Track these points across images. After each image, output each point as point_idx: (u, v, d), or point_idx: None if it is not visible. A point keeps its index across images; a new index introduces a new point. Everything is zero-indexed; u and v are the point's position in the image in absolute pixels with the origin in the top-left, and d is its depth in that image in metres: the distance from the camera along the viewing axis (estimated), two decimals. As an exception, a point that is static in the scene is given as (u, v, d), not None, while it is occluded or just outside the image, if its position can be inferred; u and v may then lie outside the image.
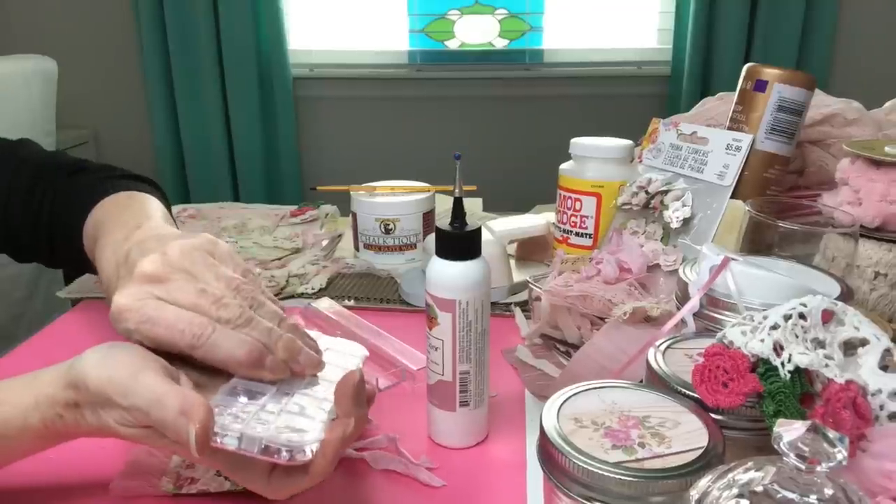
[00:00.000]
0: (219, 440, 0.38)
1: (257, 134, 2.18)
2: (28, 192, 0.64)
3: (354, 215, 0.89)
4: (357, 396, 0.42)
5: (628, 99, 2.16)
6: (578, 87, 2.19)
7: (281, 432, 0.39)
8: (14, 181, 0.65)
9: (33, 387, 0.42)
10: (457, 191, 0.49)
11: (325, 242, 0.95)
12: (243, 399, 0.41)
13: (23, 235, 0.65)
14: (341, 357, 0.48)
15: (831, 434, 0.27)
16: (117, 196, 0.59)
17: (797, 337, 0.37)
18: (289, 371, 0.43)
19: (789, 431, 0.27)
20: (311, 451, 0.39)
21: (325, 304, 0.74)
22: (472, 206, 1.08)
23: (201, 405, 0.38)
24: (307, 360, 0.44)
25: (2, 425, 0.41)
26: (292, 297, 0.80)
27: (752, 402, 0.37)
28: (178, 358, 0.43)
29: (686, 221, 0.65)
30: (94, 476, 0.49)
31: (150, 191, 0.62)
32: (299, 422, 0.40)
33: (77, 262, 0.63)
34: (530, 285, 0.68)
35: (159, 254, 0.43)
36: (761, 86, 0.70)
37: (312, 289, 0.81)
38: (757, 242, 0.57)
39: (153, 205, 0.57)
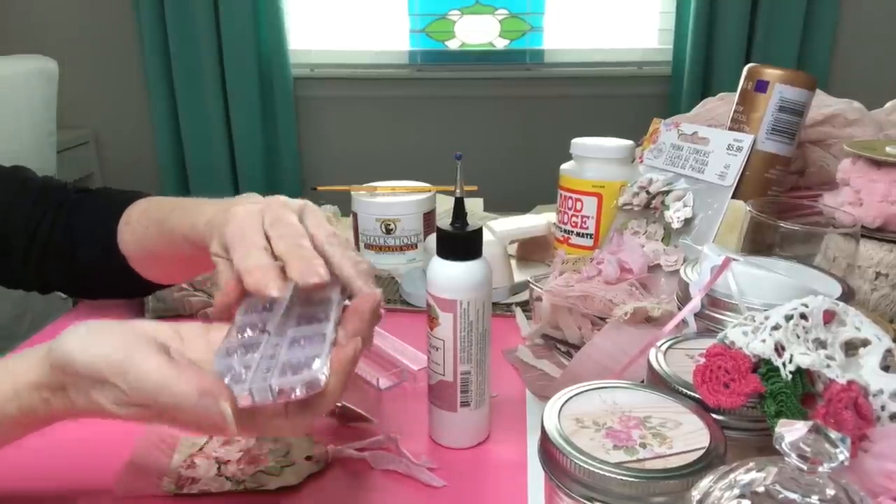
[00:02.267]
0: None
1: (258, 134, 2.18)
2: (34, 203, 0.64)
3: (355, 215, 0.89)
4: (374, 317, 0.43)
5: (629, 99, 2.16)
6: (579, 87, 2.19)
7: (286, 371, 0.38)
8: (19, 196, 0.65)
9: (9, 375, 0.40)
10: (458, 191, 0.49)
11: (325, 242, 0.95)
12: (239, 357, 0.40)
13: (15, 244, 0.64)
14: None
15: (833, 434, 0.27)
16: (159, 198, 0.60)
17: (798, 337, 0.37)
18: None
19: (791, 432, 0.27)
20: (325, 377, 0.38)
21: (326, 305, 0.74)
22: (473, 206, 1.08)
23: (218, 381, 0.37)
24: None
25: None
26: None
27: (754, 403, 0.37)
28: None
29: (687, 222, 0.65)
30: (94, 476, 0.49)
31: None
32: (303, 352, 0.40)
33: (68, 271, 0.64)
34: (531, 285, 0.68)
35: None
36: (762, 86, 0.70)
37: (313, 289, 0.81)
38: (758, 243, 0.57)
39: None
